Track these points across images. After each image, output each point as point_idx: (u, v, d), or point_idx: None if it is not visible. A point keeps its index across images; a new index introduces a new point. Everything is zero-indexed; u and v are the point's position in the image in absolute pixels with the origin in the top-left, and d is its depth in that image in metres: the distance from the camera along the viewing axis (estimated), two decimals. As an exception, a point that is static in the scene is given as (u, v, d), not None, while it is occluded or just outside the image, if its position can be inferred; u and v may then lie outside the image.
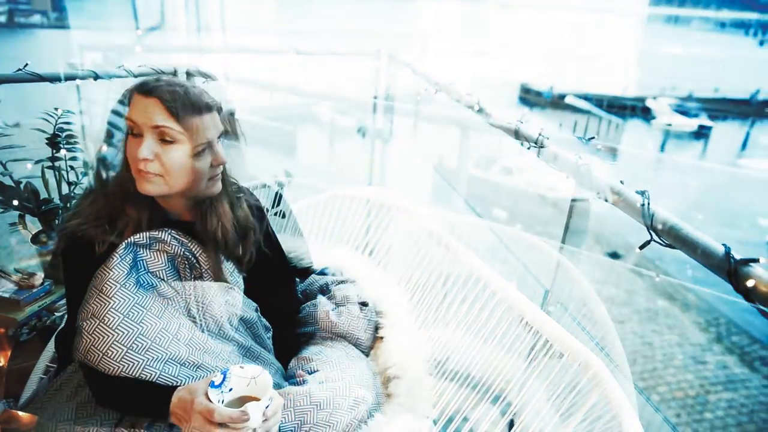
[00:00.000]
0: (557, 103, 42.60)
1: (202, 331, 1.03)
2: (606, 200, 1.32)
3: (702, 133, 32.54)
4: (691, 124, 34.21)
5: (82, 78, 2.05)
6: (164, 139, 0.99)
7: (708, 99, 38.31)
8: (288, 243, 1.54)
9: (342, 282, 1.45)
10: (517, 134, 1.42)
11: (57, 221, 1.84)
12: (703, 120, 34.36)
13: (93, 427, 0.95)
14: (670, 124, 34.33)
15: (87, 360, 0.96)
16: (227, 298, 1.07)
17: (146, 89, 0.99)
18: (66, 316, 1.13)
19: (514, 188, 17.80)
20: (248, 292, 1.16)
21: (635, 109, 39.43)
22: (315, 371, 1.18)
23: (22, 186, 1.81)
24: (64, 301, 1.80)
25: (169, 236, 1.08)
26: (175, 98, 1.00)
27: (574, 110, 39.86)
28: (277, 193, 1.81)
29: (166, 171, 1.00)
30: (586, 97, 41.81)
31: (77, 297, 1.02)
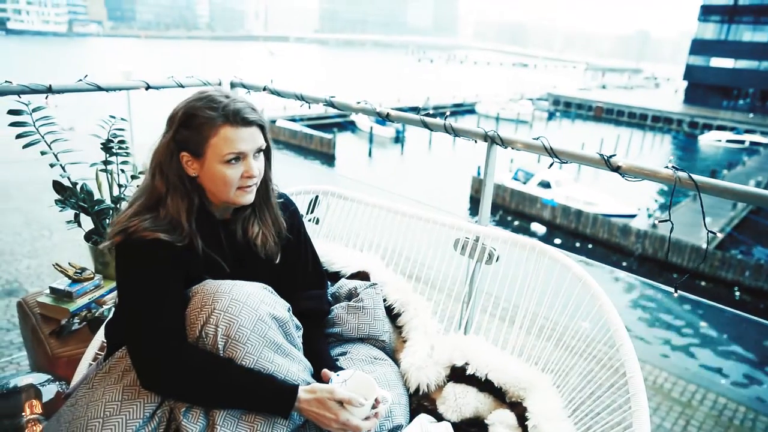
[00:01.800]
0: (599, 116, 41.87)
1: (240, 325, 1.10)
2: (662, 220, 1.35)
3: (751, 149, 31.56)
4: (743, 139, 33.16)
5: (135, 88, 2.19)
6: (257, 152, 1.16)
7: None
8: (321, 247, 1.61)
9: (370, 286, 1.51)
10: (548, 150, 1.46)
11: (108, 221, 1.96)
12: (756, 137, 33.30)
13: (137, 407, 1.03)
14: (719, 140, 33.30)
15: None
16: (262, 296, 1.14)
17: (243, 120, 1.12)
18: (114, 308, 1.23)
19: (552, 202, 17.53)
20: (282, 293, 1.23)
21: (680, 123, 38.33)
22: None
23: (78, 187, 1.95)
24: (111, 295, 1.93)
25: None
26: (263, 118, 1.17)
27: (617, 123, 39.10)
28: (312, 199, 1.89)
29: (257, 178, 1.18)
30: (629, 112, 40.88)
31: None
